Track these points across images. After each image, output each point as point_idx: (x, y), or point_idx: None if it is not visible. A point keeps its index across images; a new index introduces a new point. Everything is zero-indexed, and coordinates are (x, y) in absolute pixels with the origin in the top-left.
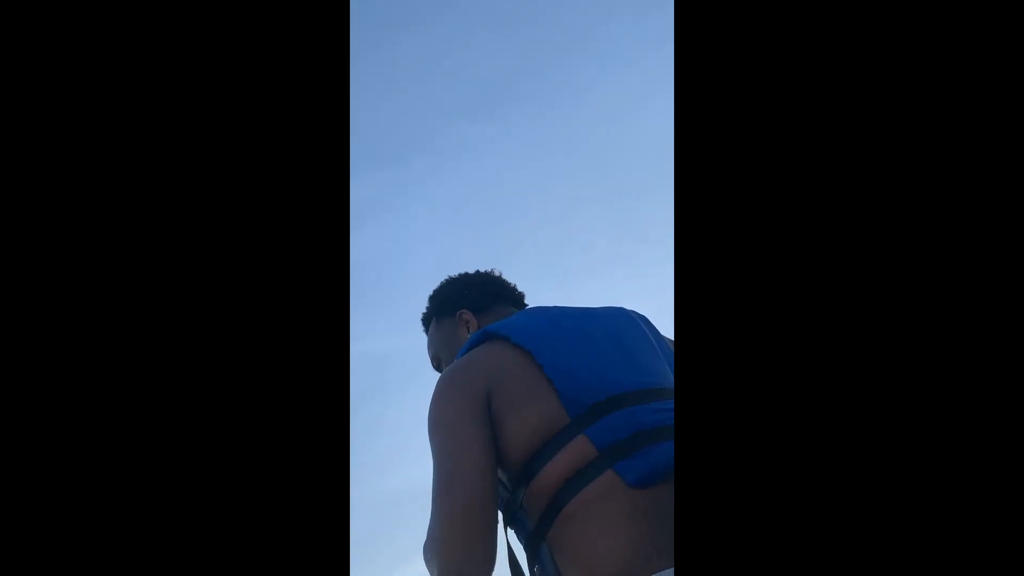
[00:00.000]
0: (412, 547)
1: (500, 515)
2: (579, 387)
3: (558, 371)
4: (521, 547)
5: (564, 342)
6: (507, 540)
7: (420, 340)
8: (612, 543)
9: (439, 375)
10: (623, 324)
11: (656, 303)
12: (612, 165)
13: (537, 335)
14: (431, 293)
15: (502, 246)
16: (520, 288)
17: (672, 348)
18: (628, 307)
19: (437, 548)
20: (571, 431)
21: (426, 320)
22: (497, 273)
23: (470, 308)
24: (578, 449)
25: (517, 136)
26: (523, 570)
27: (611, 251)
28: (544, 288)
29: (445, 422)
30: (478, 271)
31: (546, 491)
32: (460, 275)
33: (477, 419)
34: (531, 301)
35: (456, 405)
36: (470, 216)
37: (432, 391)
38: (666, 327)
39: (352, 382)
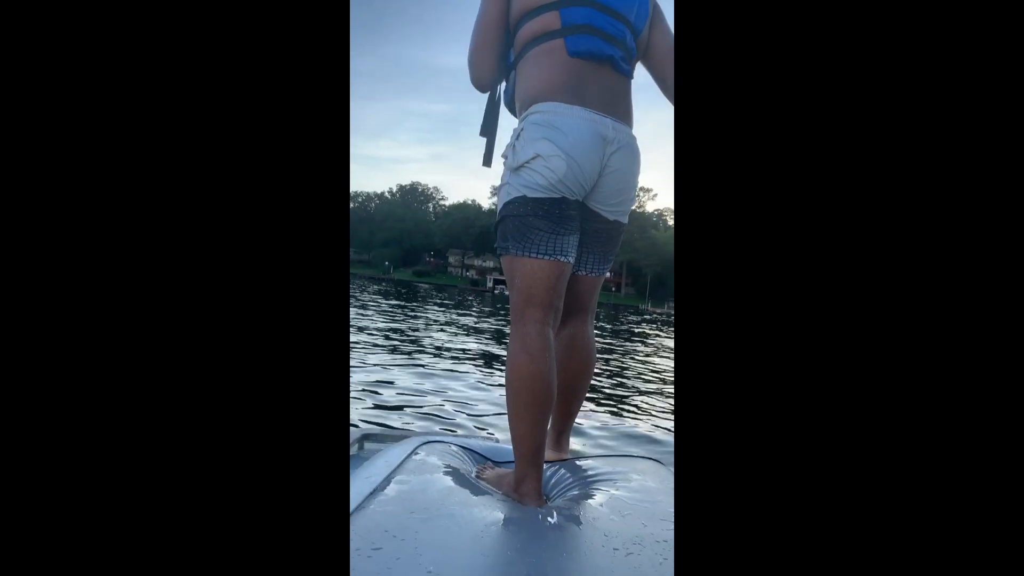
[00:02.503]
0: None
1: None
2: None
3: None
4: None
5: None
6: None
7: None
8: (543, 80)
9: None
10: None
11: None
12: None
13: None
14: None
15: None
16: None
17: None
18: None
19: (469, 64)
20: (550, 7)
21: None
22: None
23: None
24: (548, 19)
25: None
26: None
27: None
28: None
29: None
30: None
31: (522, 41)
32: None
33: None
34: None
35: None
36: None
37: None
38: None
39: None
